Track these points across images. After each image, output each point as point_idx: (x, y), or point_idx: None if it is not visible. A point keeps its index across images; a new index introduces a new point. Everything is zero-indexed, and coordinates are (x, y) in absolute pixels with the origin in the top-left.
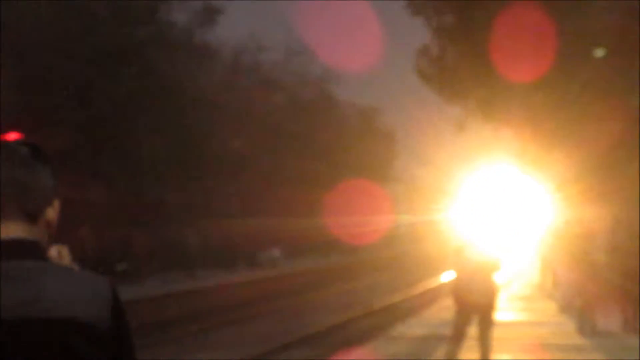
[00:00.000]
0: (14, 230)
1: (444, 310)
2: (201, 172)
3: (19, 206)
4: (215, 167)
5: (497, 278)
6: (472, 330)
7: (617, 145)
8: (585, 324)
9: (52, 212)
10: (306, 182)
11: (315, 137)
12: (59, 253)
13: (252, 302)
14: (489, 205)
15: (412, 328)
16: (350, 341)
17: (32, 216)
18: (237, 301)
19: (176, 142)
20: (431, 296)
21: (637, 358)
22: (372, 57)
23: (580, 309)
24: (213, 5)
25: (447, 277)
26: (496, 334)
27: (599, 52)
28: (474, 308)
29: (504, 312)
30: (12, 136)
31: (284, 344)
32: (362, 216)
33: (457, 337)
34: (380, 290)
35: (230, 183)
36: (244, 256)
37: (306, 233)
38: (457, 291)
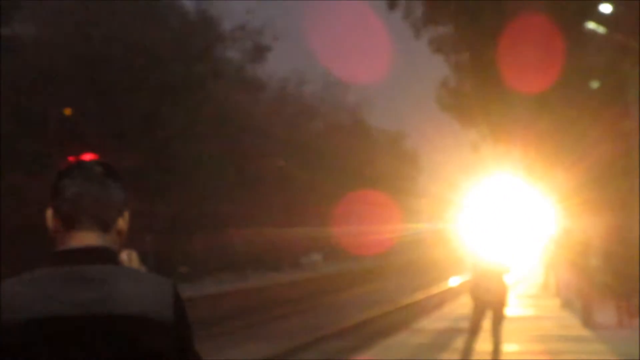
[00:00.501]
0: (89, 238)
1: (460, 307)
2: (249, 187)
3: (94, 218)
4: (262, 183)
5: (507, 279)
6: (486, 324)
7: (609, 163)
8: (584, 318)
9: (122, 222)
10: (341, 197)
11: (350, 158)
12: (128, 257)
13: (296, 299)
14: (499, 215)
15: (433, 322)
16: (380, 333)
17: (105, 226)
18: (283, 298)
19: (229, 162)
20: (448, 295)
21: (632, 348)
22: (399, 87)
23: (579, 306)
24: (262, 43)
25: (458, 279)
26: (506, 326)
27: (594, 84)
28: (487, 305)
29: (513, 308)
30: (88, 157)
31: (324, 335)
32: (389, 225)
33: (474, 329)
34: (404, 290)
35: (275, 197)
36: (288, 260)
37: (341, 240)
38: (474, 291)
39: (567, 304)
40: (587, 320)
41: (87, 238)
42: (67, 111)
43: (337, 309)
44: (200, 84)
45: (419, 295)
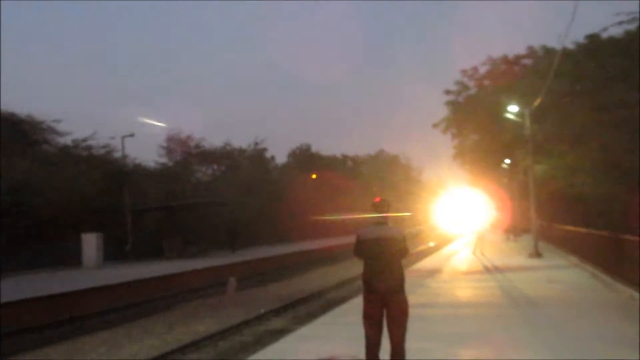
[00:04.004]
0: (382, 218)
1: (452, 246)
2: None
3: (383, 212)
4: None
5: (483, 234)
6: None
7: (510, 194)
8: (504, 239)
9: (390, 213)
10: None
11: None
12: (391, 223)
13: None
14: (469, 209)
15: (443, 252)
16: (422, 256)
17: (386, 213)
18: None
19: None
20: (440, 245)
21: (511, 246)
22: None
23: (503, 234)
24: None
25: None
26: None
27: (505, 181)
28: (480, 238)
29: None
30: (378, 198)
31: None
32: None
33: (474, 248)
34: (419, 242)
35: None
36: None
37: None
38: (478, 234)
39: (499, 235)
40: (507, 239)
41: (381, 217)
42: (314, 176)
43: None
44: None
45: (426, 246)
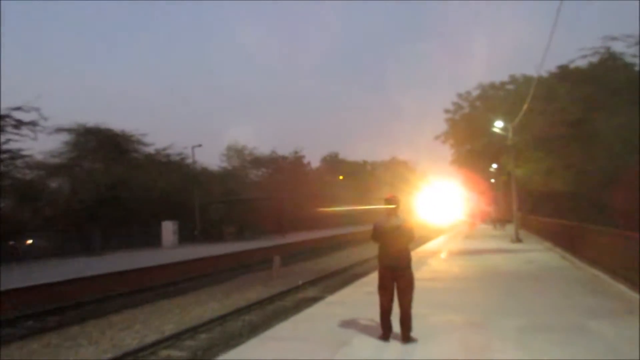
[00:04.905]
0: (393, 209)
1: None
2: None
3: (395, 204)
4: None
5: (467, 220)
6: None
7: (494, 190)
8: (495, 226)
9: (400, 204)
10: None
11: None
12: (400, 215)
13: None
14: (450, 200)
15: (435, 243)
16: (423, 240)
17: (397, 205)
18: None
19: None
20: (436, 234)
21: (496, 233)
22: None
23: (490, 221)
24: None
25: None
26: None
27: (492, 180)
28: (472, 228)
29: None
30: (390, 194)
31: None
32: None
33: (468, 230)
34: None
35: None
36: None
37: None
38: (469, 216)
39: (487, 225)
40: (495, 226)
41: (393, 210)
42: (341, 177)
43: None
44: None
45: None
